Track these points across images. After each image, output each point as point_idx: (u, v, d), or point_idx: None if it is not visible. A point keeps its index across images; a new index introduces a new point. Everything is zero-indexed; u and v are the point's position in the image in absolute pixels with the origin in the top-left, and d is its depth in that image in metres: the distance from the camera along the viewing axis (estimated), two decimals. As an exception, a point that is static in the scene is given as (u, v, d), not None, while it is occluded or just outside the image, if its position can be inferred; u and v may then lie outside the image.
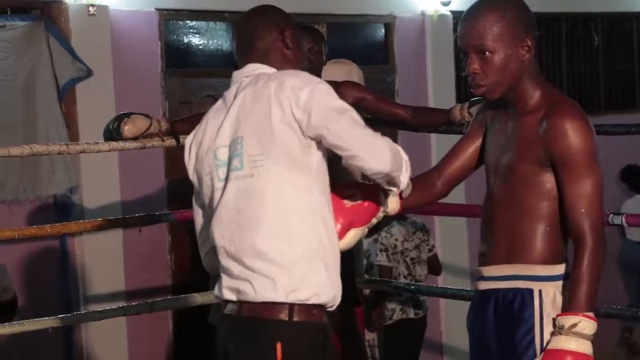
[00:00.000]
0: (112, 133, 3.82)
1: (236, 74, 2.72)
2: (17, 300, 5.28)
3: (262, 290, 2.47)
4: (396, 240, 5.93)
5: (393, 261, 5.91)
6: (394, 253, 5.91)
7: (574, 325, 2.42)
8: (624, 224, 3.56)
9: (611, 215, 3.63)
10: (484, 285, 2.66)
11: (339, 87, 4.39)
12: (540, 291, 2.54)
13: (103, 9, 5.99)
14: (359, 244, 4.59)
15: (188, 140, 2.74)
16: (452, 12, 7.66)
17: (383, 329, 5.95)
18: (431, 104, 7.39)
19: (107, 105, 5.84)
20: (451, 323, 7.30)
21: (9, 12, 5.83)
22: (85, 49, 5.91)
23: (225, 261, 2.54)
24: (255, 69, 2.67)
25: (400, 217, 5.89)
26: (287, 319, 2.46)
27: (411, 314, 5.95)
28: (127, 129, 3.79)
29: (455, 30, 7.87)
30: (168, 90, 6.44)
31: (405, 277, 5.92)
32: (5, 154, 3.60)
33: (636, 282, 8.50)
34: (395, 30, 7.51)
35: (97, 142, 3.85)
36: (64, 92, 5.93)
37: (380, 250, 5.91)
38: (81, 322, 5.68)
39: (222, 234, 2.54)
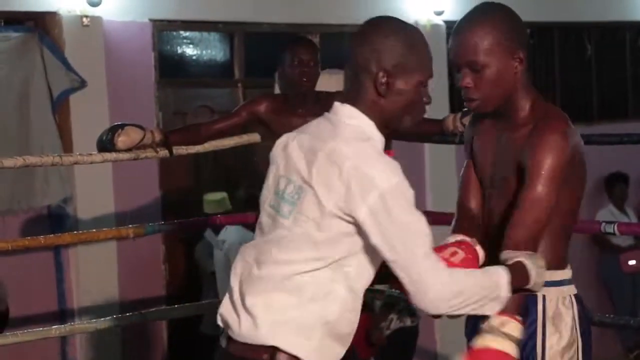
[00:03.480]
0: (106, 144, 3.82)
1: None
2: (9, 311, 5.27)
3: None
4: None
5: None
6: None
7: (503, 324, 2.39)
8: (616, 232, 3.57)
9: (603, 224, 3.64)
10: None
11: (333, 98, 4.40)
12: (543, 297, 2.53)
13: (97, 19, 6.00)
14: None
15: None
16: (445, 21, 7.68)
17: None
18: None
19: (100, 115, 5.85)
20: (445, 331, 7.30)
21: (2, 24, 5.84)
22: (79, 59, 5.92)
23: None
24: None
25: None
26: None
27: (408, 322, 5.96)
28: (121, 140, 3.80)
29: (448, 40, 7.91)
30: (162, 100, 6.45)
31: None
32: (-1, 165, 3.60)
33: (624, 292, 8.49)
34: (388, 40, 7.52)
35: (90, 154, 3.86)
36: (58, 103, 5.93)
37: None
38: (75, 333, 5.67)
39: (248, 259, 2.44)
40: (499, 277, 2.36)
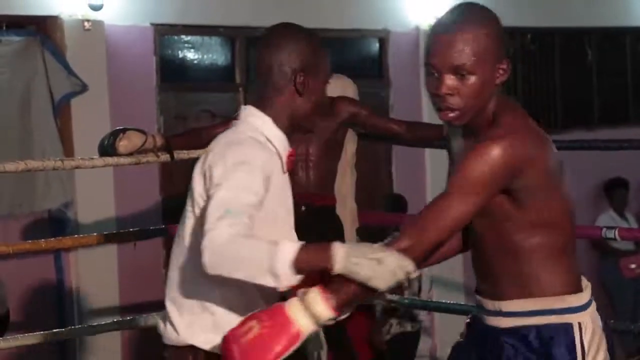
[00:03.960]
0: (107, 149, 3.82)
1: None
2: (9, 315, 5.28)
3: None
4: None
5: None
6: None
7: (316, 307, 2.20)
8: (617, 237, 3.57)
9: (604, 229, 3.65)
10: (505, 322, 2.40)
11: (334, 103, 4.41)
12: (579, 324, 2.35)
13: (98, 24, 6.00)
14: None
15: None
16: (446, 27, 7.70)
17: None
18: (425, 118, 7.40)
19: (102, 120, 5.86)
20: (445, 336, 7.30)
21: (4, 28, 5.84)
22: (81, 64, 5.93)
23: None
24: None
25: (395, 229, 5.91)
26: None
27: (408, 327, 5.97)
28: (122, 144, 3.80)
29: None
30: (163, 104, 6.46)
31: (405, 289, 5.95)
32: (0, 170, 3.61)
33: (625, 297, 8.50)
34: (389, 45, 7.54)
35: (92, 158, 3.86)
36: (59, 107, 5.94)
37: None
38: (75, 337, 5.68)
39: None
40: (282, 253, 2.23)
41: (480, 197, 2.24)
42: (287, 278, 2.23)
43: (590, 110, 9.07)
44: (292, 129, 2.56)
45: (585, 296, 2.40)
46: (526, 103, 8.52)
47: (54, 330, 4.41)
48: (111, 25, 6.09)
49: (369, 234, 5.79)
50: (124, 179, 6.01)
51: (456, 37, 2.28)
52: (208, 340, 2.47)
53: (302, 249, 2.24)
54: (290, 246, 2.24)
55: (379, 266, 2.21)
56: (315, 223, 4.10)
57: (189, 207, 2.51)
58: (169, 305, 2.53)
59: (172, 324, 2.51)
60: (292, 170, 2.64)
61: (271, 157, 2.46)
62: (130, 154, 3.83)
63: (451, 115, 2.32)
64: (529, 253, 2.34)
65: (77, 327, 5.60)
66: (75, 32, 5.93)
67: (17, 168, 3.59)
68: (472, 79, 2.28)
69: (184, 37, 6.71)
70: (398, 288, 6.06)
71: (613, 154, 6.26)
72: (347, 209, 4.61)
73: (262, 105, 2.54)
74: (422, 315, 6.13)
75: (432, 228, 2.26)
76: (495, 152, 2.22)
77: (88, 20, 5.95)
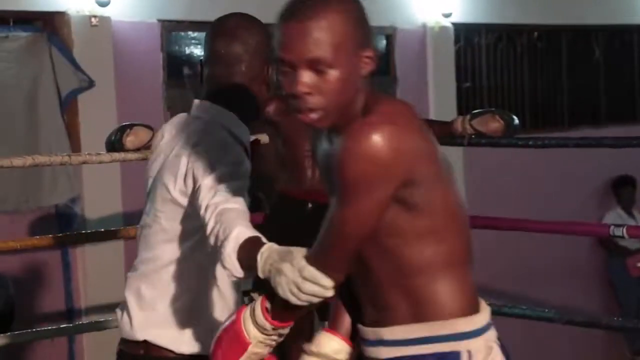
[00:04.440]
0: (114, 144, 3.83)
1: None
2: (15, 310, 5.29)
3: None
4: None
5: None
6: None
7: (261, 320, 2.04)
8: (625, 235, 3.56)
9: (612, 227, 3.64)
10: (386, 352, 2.04)
11: None
12: (469, 352, 2.01)
13: (105, 20, 6.01)
14: None
15: None
16: (453, 24, 7.69)
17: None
18: (432, 115, 7.40)
19: (108, 115, 5.86)
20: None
21: (11, 23, 5.85)
22: (88, 59, 5.93)
23: None
24: None
25: None
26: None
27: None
28: (129, 140, 3.81)
29: (457, 42, 7.94)
30: (169, 101, 6.46)
31: None
32: (7, 165, 3.61)
33: (631, 295, 8.49)
34: (396, 42, 7.54)
35: (99, 153, 3.87)
36: (66, 103, 5.94)
37: None
38: (82, 333, 5.68)
39: None
40: (229, 242, 2.09)
41: (371, 200, 1.90)
42: (234, 268, 2.07)
43: (598, 108, 9.06)
44: (255, 120, 2.55)
45: (480, 319, 2.04)
46: (532, 101, 8.52)
47: (61, 326, 4.41)
48: (118, 22, 6.09)
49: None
50: (131, 174, 6.00)
51: (309, 25, 1.90)
52: (160, 335, 2.48)
53: (244, 243, 2.06)
54: (235, 239, 2.08)
55: (278, 276, 1.95)
56: (321, 220, 4.10)
57: (159, 200, 2.50)
58: (128, 297, 2.54)
59: (129, 317, 2.53)
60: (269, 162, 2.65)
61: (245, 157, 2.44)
62: (137, 150, 3.84)
63: (313, 116, 1.95)
64: (418, 270, 1.99)
65: (84, 322, 5.61)
66: (83, 28, 5.93)
67: (24, 163, 3.59)
68: (333, 73, 1.92)
69: (191, 34, 6.70)
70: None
71: (620, 152, 6.23)
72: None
73: (224, 99, 2.50)
74: None
75: (331, 255, 1.95)
76: (373, 140, 1.86)
77: (95, 16, 5.95)
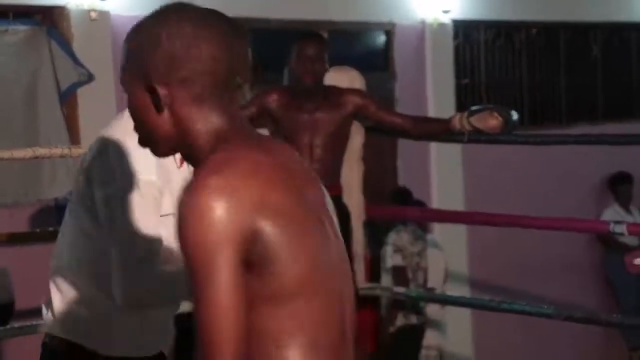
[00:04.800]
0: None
1: None
2: (14, 303, 5.29)
3: None
4: (405, 242, 5.96)
5: (406, 261, 5.93)
6: (405, 256, 5.93)
7: None
8: (625, 233, 3.58)
9: (612, 224, 3.65)
10: None
11: (343, 94, 4.41)
12: None
13: (104, 14, 6.01)
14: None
15: None
16: (452, 20, 7.70)
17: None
18: (430, 111, 7.41)
19: (108, 109, 5.86)
20: (449, 330, 7.31)
21: (11, 17, 5.84)
22: (87, 53, 5.93)
23: None
24: None
25: (401, 222, 5.94)
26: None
27: (413, 319, 5.97)
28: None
29: (455, 38, 7.94)
30: (169, 95, 6.46)
31: (410, 281, 5.95)
32: (8, 157, 3.62)
33: (629, 291, 8.50)
34: (395, 38, 7.54)
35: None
36: (65, 97, 5.94)
37: (394, 252, 5.92)
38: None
39: None
40: None
41: (222, 274, 1.56)
42: None
43: (595, 105, 9.07)
44: None
45: None
46: (531, 97, 8.53)
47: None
48: (117, 16, 6.08)
49: (375, 227, 5.82)
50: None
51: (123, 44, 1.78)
52: (62, 329, 2.56)
53: None
54: None
55: None
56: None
57: (86, 201, 2.51)
58: (52, 292, 2.64)
59: (52, 311, 2.61)
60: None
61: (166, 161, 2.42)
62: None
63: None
64: (263, 343, 1.64)
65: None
66: (82, 22, 5.93)
67: (25, 155, 3.60)
68: (130, 98, 1.76)
69: (190, 28, 6.70)
70: (403, 280, 6.11)
71: (617, 149, 6.26)
72: (354, 200, 4.62)
73: None
74: (432, 308, 6.14)
75: (215, 326, 1.56)
76: (204, 199, 1.56)
77: (94, 10, 5.95)
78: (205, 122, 1.68)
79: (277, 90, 4.47)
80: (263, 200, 1.58)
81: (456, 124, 4.20)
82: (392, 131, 4.58)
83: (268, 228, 1.58)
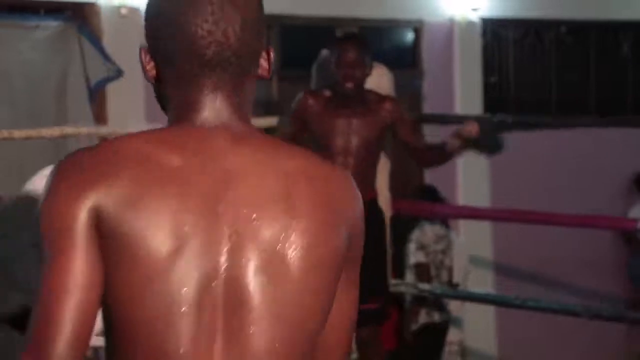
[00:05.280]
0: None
1: None
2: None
3: None
4: (429, 239, 5.96)
5: (429, 259, 5.92)
6: (428, 253, 5.93)
7: None
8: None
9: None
10: None
11: (382, 102, 4.37)
12: None
13: (135, 10, 6.04)
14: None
15: None
16: (480, 18, 7.68)
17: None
18: (458, 109, 7.40)
19: (137, 105, 5.90)
20: (472, 326, 7.30)
21: (42, 13, 5.90)
22: (117, 49, 5.97)
23: None
24: None
25: (427, 218, 5.94)
26: None
27: (436, 317, 5.97)
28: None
29: (484, 36, 7.92)
30: (197, 91, 6.48)
31: (433, 279, 5.95)
32: (37, 135, 3.70)
33: None
34: (423, 35, 7.54)
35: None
36: (95, 92, 5.99)
37: (417, 249, 5.92)
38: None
39: None
40: None
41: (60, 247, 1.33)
42: None
43: (624, 103, 9.02)
44: None
45: None
46: (559, 97, 8.49)
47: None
48: (147, 12, 6.13)
49: (400, 224, 5.82)
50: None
51: None
52: None
53: None
54: None
55: None
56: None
57: None
58: None
59: None
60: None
61: None
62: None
63: None
64: None
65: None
66: (112, 18, 5.98)
67: (52, 134, 3.67)
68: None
69: (219, 25, 6.72)
70: (427, 277, 6.10)
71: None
72: (382, 198, 4.62)
73: None
74: (453, 306, 6.13)
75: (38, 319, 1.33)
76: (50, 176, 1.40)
77: (125, 7, 6.00)
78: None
79: (312, 96, 4.40)
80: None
81: (449, 146, 4.25)
82: (406, 150, 4.52)
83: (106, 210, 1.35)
